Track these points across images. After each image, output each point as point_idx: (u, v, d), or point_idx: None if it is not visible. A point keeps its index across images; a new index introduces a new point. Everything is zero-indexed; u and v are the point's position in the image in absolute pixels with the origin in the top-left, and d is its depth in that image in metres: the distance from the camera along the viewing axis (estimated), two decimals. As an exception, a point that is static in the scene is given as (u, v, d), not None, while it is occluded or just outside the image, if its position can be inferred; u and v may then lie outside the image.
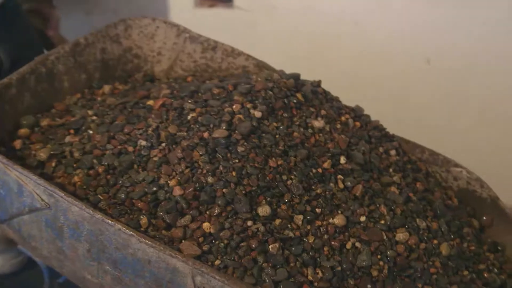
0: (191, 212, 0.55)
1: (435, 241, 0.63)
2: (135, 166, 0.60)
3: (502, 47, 1.10)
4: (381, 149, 0.70)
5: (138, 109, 0.67)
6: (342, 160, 0.64)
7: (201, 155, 0.59)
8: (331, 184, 0.61)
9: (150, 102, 0.67)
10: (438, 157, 0.75)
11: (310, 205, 0.59)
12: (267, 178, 0.58)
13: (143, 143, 0.61)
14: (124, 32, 0.84)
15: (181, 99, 0.66)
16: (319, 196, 0.60)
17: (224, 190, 0.56)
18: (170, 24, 0.85)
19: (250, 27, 1.28)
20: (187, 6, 1.35)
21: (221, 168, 0.58)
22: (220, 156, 0.59)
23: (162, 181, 0.57)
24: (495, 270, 0.65)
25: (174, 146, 0.60)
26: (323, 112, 0.69)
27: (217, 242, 0.54)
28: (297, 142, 0.63)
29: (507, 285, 0.63)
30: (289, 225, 0.56)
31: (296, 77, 0.70)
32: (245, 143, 0.60)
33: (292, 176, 0.60)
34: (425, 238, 0.62)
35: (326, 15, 1.22)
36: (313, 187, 0.60)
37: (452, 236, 0.65)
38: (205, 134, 0.60)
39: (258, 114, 0.63)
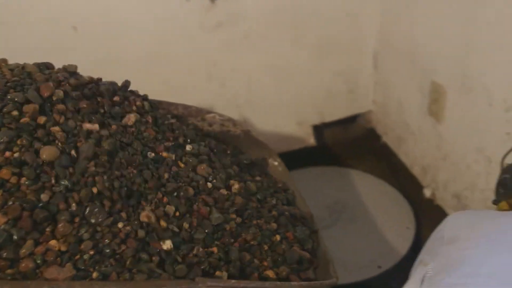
0: (29, 236, 0.45)
1: (247, 184, 0.68)
2: None
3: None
4: (166, 122, 0.70)
5: None
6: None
7: (13, 173, 0.47)
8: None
9: None
10: (191, 109, 0.78)
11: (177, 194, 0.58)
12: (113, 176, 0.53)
13: None
14: None
15: None
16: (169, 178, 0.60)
17: (76, 196, 0.48)
18: None
19: None
20: None
21: (53, 181, 0.48)
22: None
23: (-30, 218, 0.44)
24: (280, 189, 0.74)
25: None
26: (116, 98, 0.64)
27: (77, 256, 0.46)
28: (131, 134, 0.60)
29: (289, 195, 0.73)
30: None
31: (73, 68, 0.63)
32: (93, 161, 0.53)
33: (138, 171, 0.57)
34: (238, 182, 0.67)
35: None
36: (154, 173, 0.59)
37: (246, 176, 0.71)
38: (7, 154, 0.48)
39: (95, 127, 0.55)
